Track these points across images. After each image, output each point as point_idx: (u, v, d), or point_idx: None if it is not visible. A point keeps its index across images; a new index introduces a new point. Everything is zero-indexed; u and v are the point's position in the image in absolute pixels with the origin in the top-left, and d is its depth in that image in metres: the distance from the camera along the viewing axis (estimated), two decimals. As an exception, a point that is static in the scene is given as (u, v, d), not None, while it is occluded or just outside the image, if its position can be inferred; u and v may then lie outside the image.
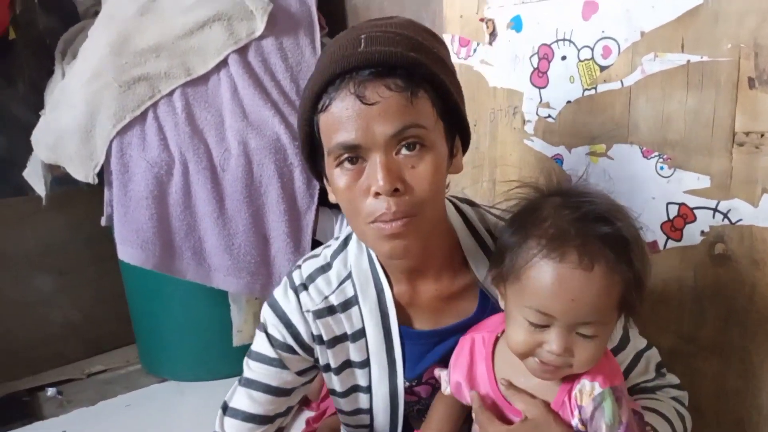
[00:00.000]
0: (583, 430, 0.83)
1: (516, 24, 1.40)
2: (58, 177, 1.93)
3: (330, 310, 1.01)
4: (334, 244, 1.07)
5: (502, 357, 0.92)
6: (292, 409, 1.11)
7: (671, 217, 1.21)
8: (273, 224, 1.83)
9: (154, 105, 1.80)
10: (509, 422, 0.89)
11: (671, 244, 1.22)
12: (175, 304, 1.97)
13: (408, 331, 1.02)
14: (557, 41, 1.33)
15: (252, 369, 1.06)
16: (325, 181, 0.96)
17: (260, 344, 1.06)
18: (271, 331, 1.04)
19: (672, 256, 1.21)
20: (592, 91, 1.28)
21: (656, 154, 1.20)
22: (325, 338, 1.02)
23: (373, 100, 0.82)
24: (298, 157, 1.82)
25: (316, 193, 1.86)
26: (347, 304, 1.01)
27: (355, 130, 0.83)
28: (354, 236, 1.04)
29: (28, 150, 1.92)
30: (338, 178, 0.88)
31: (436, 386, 1.04)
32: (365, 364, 1.04)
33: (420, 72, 0.84)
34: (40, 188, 1.91)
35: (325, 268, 1.03)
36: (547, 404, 0.86)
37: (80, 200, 2.12)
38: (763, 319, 1.12)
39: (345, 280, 1.02)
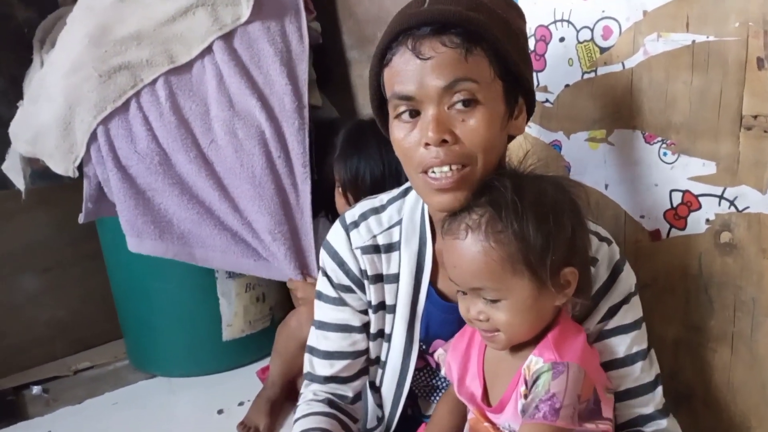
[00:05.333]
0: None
1: (511, 5, 1.35)
2: (40, 172, 1.88)
3: (375, 249, 1.07)
4: (394, 191, 1.13)
5: (491, 350, 0.96)
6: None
7: (675, 205, 1.17)
8: (265, 219, 1.78)
9: (137, 95, 1.75)
10: (485, 416, 0.94)
11: (675, 232, 1.18)
12: (163, 299, 1.93)
13: (431, 291, 1.06)
14: (555, 22, 1.28)
15: (320, 309, 1.14)
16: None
17: (322, 285, 1.14)
18: (328, 271, 1.12)
19: (676, 245, 1.18)
20: (592, 74, 1.24)
21: (659, 139, 1.16)
22: (369, 273, 1.07)
23: (428, 55, 0.87)
24: (284, 151, 1.77)
25: (308, 180, 1.81)
26: (390, 248, 1.07)
27: (411, 83, 0.89)
28: None
29: (9, 144, 1.86)
30: (396, 128, 0.94)
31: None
32: (393, 309, 1.08)
33: (477, 31, 0.87)
34: (19, 182, 1.86)
35: (378, 210, 1.10)
36: None
37: (64, 197, 2.06)
38: (771, 309, 1.09)
39: (394, 225, 1.08)
